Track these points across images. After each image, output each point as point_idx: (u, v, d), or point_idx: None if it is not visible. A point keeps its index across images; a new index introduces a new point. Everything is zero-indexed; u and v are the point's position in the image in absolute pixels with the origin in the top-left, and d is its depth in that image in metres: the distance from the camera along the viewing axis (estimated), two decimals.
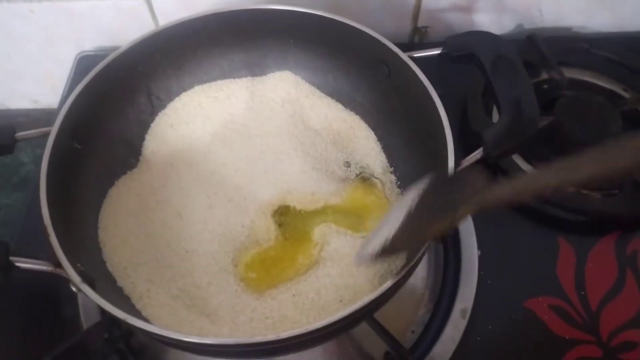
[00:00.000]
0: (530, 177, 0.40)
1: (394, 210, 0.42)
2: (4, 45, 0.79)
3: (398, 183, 0.58)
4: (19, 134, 0.48)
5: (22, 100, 0.89)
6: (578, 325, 0.54)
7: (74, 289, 0.41)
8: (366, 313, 0.43)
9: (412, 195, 0.41)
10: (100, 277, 0.47)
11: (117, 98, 0.56)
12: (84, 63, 0.79)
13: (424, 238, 0.41)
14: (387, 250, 0.40)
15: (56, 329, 0.55)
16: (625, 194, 0.60)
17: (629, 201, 0.59)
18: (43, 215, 0.42)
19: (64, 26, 0.77)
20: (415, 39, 0.82)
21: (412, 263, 0.41)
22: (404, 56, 0.53)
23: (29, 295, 0.57)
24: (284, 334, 0.37)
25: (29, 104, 0.90)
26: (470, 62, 0.51)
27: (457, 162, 0.46)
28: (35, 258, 0.41)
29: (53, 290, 0.57)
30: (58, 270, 0.41)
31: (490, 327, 0.54)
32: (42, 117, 0.90)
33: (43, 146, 0.47)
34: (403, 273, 0.40)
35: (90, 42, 0.80)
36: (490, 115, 0.68)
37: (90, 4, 0.74)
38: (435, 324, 0.54)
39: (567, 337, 0.53)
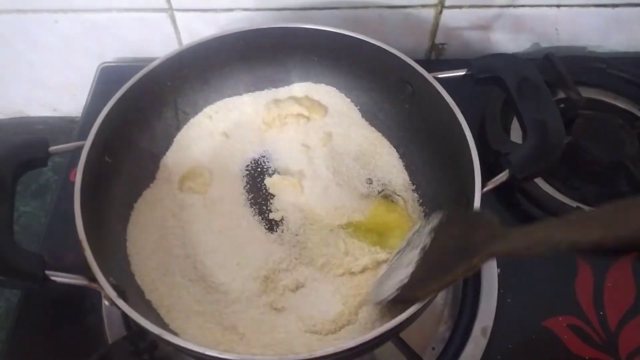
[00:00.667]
0: (542, 229, 0.37)
1: (407, 250, 0.43)
2: (27, 54, 0.80)
3: (420, 201, 0.59)
4: (53, 148, 0.48)
5: (41, 108, 0.90)
6: (597, 345, 0.55)
7: (106, 302, 0.42)
8: (395, 333, 0.44)
9: (426, 234, 0.42)
10: (129, 289, 0.48)
11: (145, 112, 0.57)
12: (105, 73, 0.80)
13: (437, 289, 0.41)
14: (398, 300, 0.41)
15: (80, 339, 0.55)
16: None
17: None
18: (78, 230, 0.43)
19: (87, 37, 0.78)
20: (432, 55, 0.83)
21: None
22: (429, 77, 0.54)
23: (53, 306, 0.58)
24: (318, 353, 0.37)
25: (49, 111, 0.91)
26: (495, 84, 0.52)
27: (483, 183, 0.47)
28: (71, 272, 0.42)
29: (77, 301, 0.57)
30: (93, 285, 0.42)
31: (510, 346, 0.55)
32: (61, 125, 0.91)
33: (62, 155, 0.48)
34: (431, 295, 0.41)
35: (112, 53, 0.81)
36: (508, 133, 0.69)
37: (113, 16, 0.75)
38: (455, 341, 0.54)
39: (587, 358, 0.54)
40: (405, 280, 0.42)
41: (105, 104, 0.53)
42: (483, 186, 0.46)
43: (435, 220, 0.44)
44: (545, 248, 0.36)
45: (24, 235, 0.79)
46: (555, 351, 0.55)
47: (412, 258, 0.43)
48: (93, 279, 0.42)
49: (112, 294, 0.41)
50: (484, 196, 0.47)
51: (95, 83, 0.80)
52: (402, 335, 0.52)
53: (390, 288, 0.43)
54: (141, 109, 0.56)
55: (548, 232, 0.36)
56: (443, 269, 0.40)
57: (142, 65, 0.56)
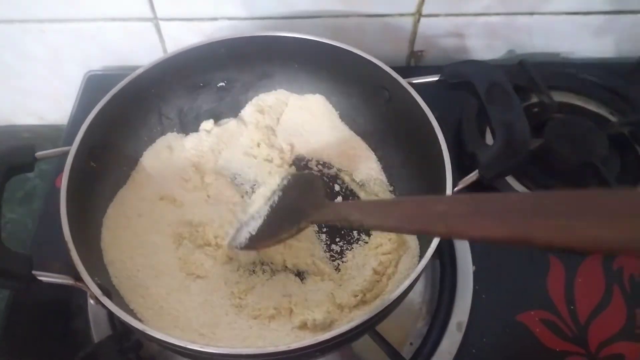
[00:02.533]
0: (345, 208, 0.44)
1: (265, 203, 0.50)
2: (14, 63, 0.81)
3: None
4: (39, 153, 0.50)
5: (28, 116, 0.92)
6: (568, 338, 0.57)
7: (92, 301, 0.44)
8: (370, 325, 0.45)
9: (277, 193, 0.49)
10: (113, 290, 0.49)
11: (130, 118, 0.59)
12: (91, 82, 0.82)
13: (271, 244, 0.48)
14: (249, 246, 0.49)
15: (67, 339, 0.57)
16: None
17: None
18: (64, 232, 0.45)
19: (73, 46, 0.80)
20: (412, 62, 0.85)
21: (417, 276, 0.44)
22: (404, 82, 0.56)
23: (39, 307, 0.59)
24: (295, 345, 0.39)
25: (35, 120, 0.92)
26: (466, 89, 0.54)
27: (454, 183, 0.49)
28: (57, 272, 0.43)
29: (64, 303, 0.59)
30: (79, 284, 0.43)
31: (484, 340, 0.57)
32: (47, 133, 0.92)
33: (48, 162, 0.49)
34: (405, 287, 0.43)
35: (98, 62, 0.82)
36: (483, 136, 0.71)
37: (99, 26, 0.77)
38: (432, 336, 0.56)
39: (558, 350, 0.56)
40: (253, 232, 0.49)
41: (91, 112, 0.54)
42: (454, 186, 0.49)
43: (284, 180, 0.51)
44: (345, 223, 0.42)
45: (11, 241, 0.79)
46: (528, 344, 0.57)
47: (262, 212, 0.50)
48: (79, 278, 0.43)
49: (97, 292, 0.42)
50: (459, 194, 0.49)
51: (82, 91, 0.81)
52: (381, 331, 0.54)
53: (242, 236, 0.50)
54: (126, 115, 0.58)
55: (347, 212, 0.41)
56: (279, 227, 0.47)
57: (128, 73, 0.58)
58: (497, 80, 0.53)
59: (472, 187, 0.50)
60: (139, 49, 0.80)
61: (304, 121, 0.66)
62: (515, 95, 0.52)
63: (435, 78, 0.57)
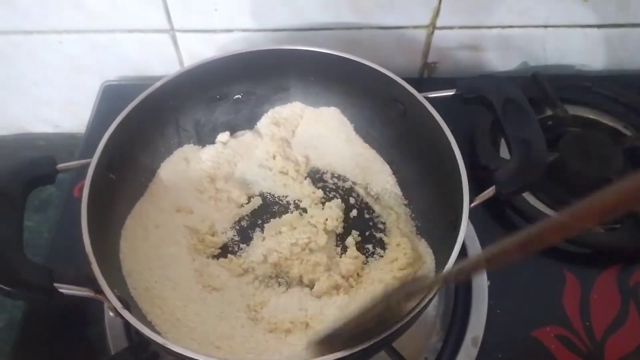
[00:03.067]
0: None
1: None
2: (32, 72, 0.83)
3: (412, 215, 0.61)
4: (61, 165, 0.50)
5: (43, 124, 0.93)
6: (583, 355, 0.57)
7: (111, 313, 0.44)
8: (388, 342, 0.45)
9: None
10: (131, 302, 0.50)
11: (148, 131, 0.59)
12: (108, 92, 0.83)
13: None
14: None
15: (84, 351, 0.57)
16: (626, 228, 0.63)
17: (630, 235, 0.62)
18: (84, 244, 0.45)
19: (90, 57, 0.81)
20: (425, 73, 0.86)
21: (432, 294, 0.44)
22: (419, 96, 0.56)
23: (56, 316, 0.60)
24: None
25: (50, 128, 0.93)
26: (482, 104, 0.55)
27: (472, 198, 0.49)
28: (77, 284, 0.44)
29: (80, 314, 0.59)
30: (99, 297, 0.43)
31: (499, 356, 0.56)
32: (62, 141, 0.93)
33: (64, 170, 0.50)
34: (424, 304, 0.43)
35: (115, 72, 0.83)
36: (497, 149, 0.71)
37: (116, 37, 0.78)
38: (447, 352, 0.56)
39: None
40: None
41: (107, 122, 0.55)
42: (471, 201, 0.49)
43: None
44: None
45: (27, 248, 0.80)
46: None
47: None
48: (99, 290, 0.43)
49: (117, 305, 0.42)
50: (473, 210, 0.49)
51: (98, 101, 0.82)
52: (396, 346, 0.54)
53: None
54: (144, 128, 0.58)
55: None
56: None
57: (144, 84, 0.59)
58: (513, 95, 0.53)
59: (488, 203, 0.50)
60: (155, 60, 0.81)
61: (319, 134, 0.67)
62: (532, 111, 0.52)
63: (451, 92, 0.57)
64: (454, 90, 0.57)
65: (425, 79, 0.86)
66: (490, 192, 0.49)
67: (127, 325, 0.56)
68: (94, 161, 0.50)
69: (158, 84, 0.58)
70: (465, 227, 0.47)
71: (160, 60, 0.81)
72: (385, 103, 0.62)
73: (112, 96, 0.82)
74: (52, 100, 0.87)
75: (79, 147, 0.76)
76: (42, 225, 0.82)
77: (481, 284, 0.60)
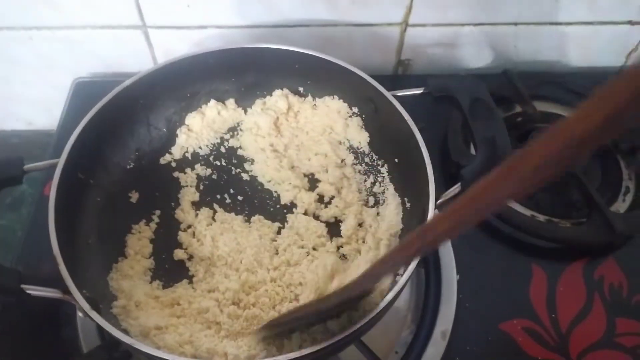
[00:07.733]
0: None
1: None
2: (2, 69, 0.81)
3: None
4: (27, 166, 0.50)
5: (16, 122, 0.91)
6: (549, 347, 0.58)
7: (80, 314, 0.44)
8: (356, 336, 0.46)
9: None
10: (103, 301, 0.50)
11: (118, 129, 0.59)
12: (80, 88, 0.82)
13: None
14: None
15: (56, 350, 0.57)
16: (592, 222, 0.64)
17: (596, 230, 0.64)
18: (52, 245, 0.45)
19: (62, 53, 0.80)
20: (399, 70, 0.86)
21: (400, 288, 0.45)
22: (388, 95, 0.57)
23: (28, 317, 0.59)
24: (281, 357, 0.40)
25: (24, 125, 0.92)
26: (450, 103, 0.55)
27: (438, 195, 0.50)
28: (46, 284, 0.44)
29: (53, 313, 0.59)
30: (67, 297, 0.43)
31: (468, 348, 0.58)
32: (36, 138, 0.92)
33: (32, 171, 0.50)
34: (391, 298, 0.44)
35: (87, 69, 0.83)
36: (468, 146, 0.72)
37: (88, 33, 0.77)
38: (417, 345, 0.57)
39: (540, 358, 0.57)
40: None
41: (79, 119, 0.54)
42: (437, 199, 0.50)
43: None
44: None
45: (0, 248, 0.80)
46: (510, 353, 0.58)
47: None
48: (67, 291, 0.43)
49: (85, 306, 0.42)
50: (442, 206, 0.50)
51: (70, 98, 0.81)
52: (366, 340, 0.55)
53: None
54: (114, 126, 0.58)
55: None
56: None
57: (117, 80, 0.58)
58: (480, 95, 0.54)
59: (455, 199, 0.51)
60: (128, 57, 0.81)
61: (296, 127, 0.67)
62: (498, 110, 0.53)
63: (419, 91, 0.58)
64: (423, 88, 0.57)
65: (400, 76, 0.86)
66: (456, 189, 0.50)
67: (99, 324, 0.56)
68: (61, 161, 0.50)
69: (128, 81, 0.57)
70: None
71: (133, 57, 0.80)
72: (360, 101, 0.63)
73: (84, 93, 0.81)
74: (24, 97, 0.86)
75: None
76: (15, 223, 0.81)
77: (451, 278, 0.61)
